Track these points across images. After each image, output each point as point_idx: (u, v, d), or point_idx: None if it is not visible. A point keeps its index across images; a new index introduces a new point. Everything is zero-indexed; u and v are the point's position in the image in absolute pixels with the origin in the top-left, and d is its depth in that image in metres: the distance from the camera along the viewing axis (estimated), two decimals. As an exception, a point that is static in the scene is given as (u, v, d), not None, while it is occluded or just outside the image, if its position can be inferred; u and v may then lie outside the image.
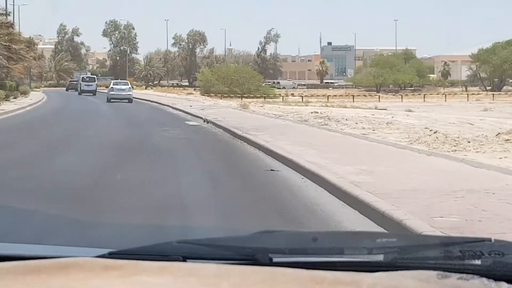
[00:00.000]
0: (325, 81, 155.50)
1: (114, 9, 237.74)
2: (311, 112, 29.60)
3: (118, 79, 78.60)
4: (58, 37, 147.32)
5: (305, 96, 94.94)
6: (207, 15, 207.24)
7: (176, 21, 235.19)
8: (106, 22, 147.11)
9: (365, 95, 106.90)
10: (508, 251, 1.82)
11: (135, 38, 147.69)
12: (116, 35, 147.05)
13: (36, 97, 60.72)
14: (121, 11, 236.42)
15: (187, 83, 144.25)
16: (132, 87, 63.27)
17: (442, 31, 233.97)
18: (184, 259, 1.82)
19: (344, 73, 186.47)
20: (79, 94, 73.05)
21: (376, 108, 51.80)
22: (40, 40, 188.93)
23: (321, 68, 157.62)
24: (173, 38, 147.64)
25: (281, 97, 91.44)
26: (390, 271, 1.63)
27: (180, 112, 38.85)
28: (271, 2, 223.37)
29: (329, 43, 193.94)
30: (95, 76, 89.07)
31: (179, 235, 2.31)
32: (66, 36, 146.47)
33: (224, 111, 36.94)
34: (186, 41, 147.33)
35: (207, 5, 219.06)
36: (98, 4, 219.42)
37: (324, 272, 1.57)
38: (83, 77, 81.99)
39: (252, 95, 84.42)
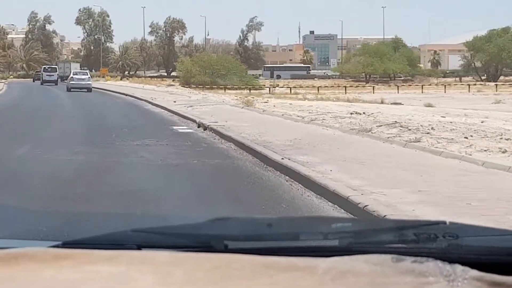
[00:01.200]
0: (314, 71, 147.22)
1: None
2: (351, 113, 20.66)
3: (85, 69, 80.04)
4: (29, 25, 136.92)
5: (292, 87, 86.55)
6: (185, 1, 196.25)
7: (153, 8, 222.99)
8: (79, 10, 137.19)
9: (356, 86, 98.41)
10: (462, 233, 1.82)
11: (110, 26, 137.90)
12: (90, 23, 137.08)
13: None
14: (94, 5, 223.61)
15: (165, 74, 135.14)
16: (102, 78, 71.27)
17: (422, 20, 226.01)
18: (139, 247, 1.76)
19: (327, 63, 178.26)
20: (41, 84, 73.00)
21: (385, 102, 43.14)
22: (13, 30, 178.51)
23: (305, 58, 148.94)
24: (150, 26, 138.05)
25: (267, 88, 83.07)
26: (345, 256, 1.60)
27: (163, 111, 29.78)
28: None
29: (311, 32, 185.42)
30: (56, 67, 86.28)
31: (135, 224, 2.07)
32: (38, 24, 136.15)
33: (221, 109, 28.00)
34: (164, 29, 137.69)
35: None
36: None
37: (279, 257, 1.57)
38: (44, 67, 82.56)
39: (235, 86, 77.76)
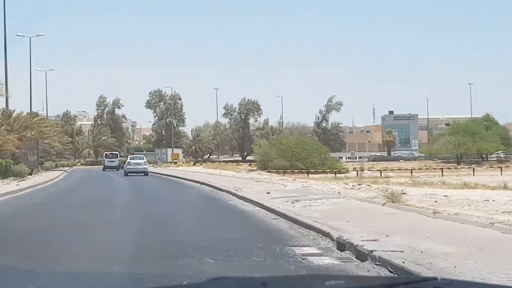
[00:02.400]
0: (392, 152, 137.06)
1: (158, 78, 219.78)
2: None
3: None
4: (97, 110, 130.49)
5: (380, 170, 76.45)
6: (259, 82, 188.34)
7: (226, 90, 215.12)
8: (150, 92, 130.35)
9: (449, 168, 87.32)
10: None
11: (182, 109, 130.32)
12: (161, 106, 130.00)
13: (39, 180, 42.34)
14: (166, 81, 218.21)
15: (240, 158, 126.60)
16: (174, 163, 69.06)
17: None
18: None
19: (408, 144, 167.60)
20: (103, 170, 72.52)
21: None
22: (84, 117, 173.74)
23: (388, 138, 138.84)
24: (224, 108, 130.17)
25: (354, 171, 73.45)
26: None
27: (258, 209, 19.91)
28: (326, 68, 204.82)
29: (391, 112, 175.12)
30: (117, 153, 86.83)
31: (129, 283, 1.93)
32: (106, 109, 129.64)
33: (347, 206, 18.09)
34: (238, 111, 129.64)
35: (258, 72, 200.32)
36: (141, 73, 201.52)
37: None
38: (106, 154, 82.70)
39: (318, 170, 69.57)
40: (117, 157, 78.67)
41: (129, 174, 53.33)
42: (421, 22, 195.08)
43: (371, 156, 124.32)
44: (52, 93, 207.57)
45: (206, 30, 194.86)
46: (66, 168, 79.69)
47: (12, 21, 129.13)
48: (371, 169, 79.41)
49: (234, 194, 26.63)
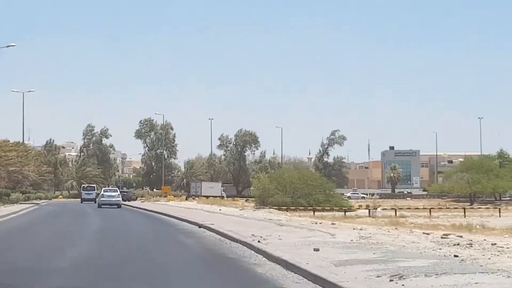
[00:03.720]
0: (396, 189, 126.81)
1: (149, 108, 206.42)
2: None
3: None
4: (84, 139, 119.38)
5: (391, 208, 66.63)
6: (256, 113, 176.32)
7: (221, 121, 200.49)
8: (140, 121, 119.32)
9: (463, 207, 76.78)
10: None
11: (174, 140, 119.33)
12: (152, 136, 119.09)
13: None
14: (157, 110, 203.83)
15: (235, 192, 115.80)
16: (164, 197, 66.38)
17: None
18: None
19: (409, 181, 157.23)
20: (81, 202, 70.69)
21: None
22: (72, 148, 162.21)
23: (392, 175, 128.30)
24: (219, 139, 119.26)
25: (359, 208, 65.73)
26: None
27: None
28: (323, 103, 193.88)
29: (391, 148, 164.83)
30: (94, 185, 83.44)
31: None
32: (94, 138, 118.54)
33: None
34: (234, 142, 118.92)
35: (255, 102, 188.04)
36: (132, 102, 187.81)
37: None
38: (83, 186, 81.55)
39: (326, 208, 60.57)
40: (95, 190, 76.54)
41: (102, 206, 54.14)
42: (424, 55, 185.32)
43: (379, 193, 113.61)
44: (36, 121, 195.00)
45: (201, 57, 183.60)
46: (41, 201, 68.64)
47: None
48: (383, 208, 69.00)
49: (259, 251, 15.74)
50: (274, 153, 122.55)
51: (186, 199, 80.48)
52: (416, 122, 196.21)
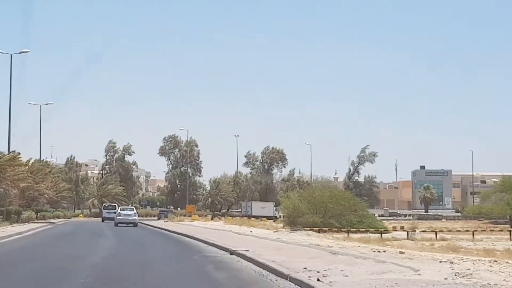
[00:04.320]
0: (429, 210, 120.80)
1: (173, 125, 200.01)
2: None
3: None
4: (106, 156, 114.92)
5: (430, 230, 61.21)
6: (283, 130, 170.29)
7: (246, 138, 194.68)
8: (164, 138, 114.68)
9: (509, 230, 70.79)
10: None
11: (198, 157, 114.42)
12: (176, 153, 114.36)
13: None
14: (181, 126, 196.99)
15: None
16: (188, 217, 65.42)
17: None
18: None
19: (440, 202, 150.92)
20: (102, 221, 68.90)
21: None
22: (96, 166, 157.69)
23: (425, 195, 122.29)
24: (245, 156, 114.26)
25: (397, 231, 58.51)
26: None
27: None
28: (349, 121, 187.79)
29: (422, 167, 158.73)
30: (115, 204, 79.31)
31: None
32: (116, 155, 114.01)
33: None
34: (261, 160, 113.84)
35: (281, 118, 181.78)
36: (156, 119, 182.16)
37: None
38: (104, 205, 79.36)
39: (359, 229, 55.62)
40: (115, 209, 71.43)
41: (119, 224, 54.75)
42: (461, 66, 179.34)
43: (415, 214, 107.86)
44: (58, 138, 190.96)
45: (226, 73, 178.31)
46: (58, 220, 63.91)
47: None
48: (421, 230, 63.55)
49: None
50: (300, 172, 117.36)
51: (212, 219, 75.39)
52: (446, 140, 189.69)
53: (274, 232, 36.71)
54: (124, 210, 59.80)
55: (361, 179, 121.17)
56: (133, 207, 69.02)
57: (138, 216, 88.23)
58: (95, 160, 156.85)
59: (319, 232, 47.86)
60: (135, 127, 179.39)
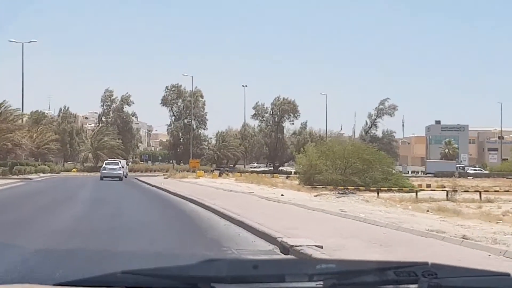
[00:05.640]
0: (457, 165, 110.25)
1: (175, 74, 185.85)
2: None
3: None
4: (102, 106, 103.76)
5: (476, 191, 51.13)
6: (292, 79, 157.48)
7: (255, 87, 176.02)
8: (166, 87, 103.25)
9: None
10: (443, 274, 1.80)
11: (204, 109, 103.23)
12: (179, 104, 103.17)
13: None
14: (183, 75, 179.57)
15: (271, 167, 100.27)
16: (192, 172, 59.74)
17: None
18: None
19: (456, 158, 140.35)
20: (101, 179, 56.03)
21: None
22: (96, 119, 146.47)
23: (446, 151, 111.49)
24: (254, 108, 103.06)
25: (424, 190, 50.17)
26: None
27: None
28: (359, 75, 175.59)
29: (437, 122, 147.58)
30: (119, 161, 67.13)
31: (126, 263, 2.19)
32: (113, 105, 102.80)
33: None
34: (271, 112, 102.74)
35: (292, 66, 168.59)
36: (156, 68, 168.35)
37: None
38: (106, 161, 66.13)
39: (383, 188, 46.56)
40: (119, 165, 60.06)
41: (104, 178, 53.13)
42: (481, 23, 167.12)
43: (435, 172, 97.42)
44: (54, 89, 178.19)
45: (231, 14, 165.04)
46: (38, 176, 53.12)
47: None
48: (474, 189, 53.85)
49: None
50: (306, 124, 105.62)
51: (219, 175, 64.60)
52: (458, 94, 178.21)
53: (315, 196, 25.93)
54: (109, 165, 58.21)
55: (379, 133, 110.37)
56: (119, 161, 63.90)
57: (137, 172, 78.23)
58: (95, 113, 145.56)
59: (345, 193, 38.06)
60: (134, 77, 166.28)
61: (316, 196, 26.47)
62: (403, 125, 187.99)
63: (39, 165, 62.87)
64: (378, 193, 41.12)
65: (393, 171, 58.81)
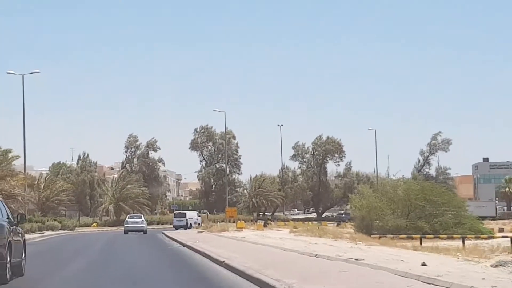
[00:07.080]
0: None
1: (203, 114, 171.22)
2: None
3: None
4: (126, 153, 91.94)
5: None
6: (336, 117, 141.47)
7: (291, 126, 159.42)
8: (195, 130, 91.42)
9: None
10: None
11: (237, 152, 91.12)
12: (210, 147, 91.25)
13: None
14: (214, 111, 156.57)
15: (314, 214, 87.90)
16: (231, 223, 53.76)
17: None
18: None
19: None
20: (124, 233, 53.06)
21: None
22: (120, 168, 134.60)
23: (507, 189, 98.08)
24: (293, 148, 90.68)
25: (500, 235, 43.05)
26: None
27: None
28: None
29: (485, 159, 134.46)
30: (142, 215, 62.56)
31: None
32: (138, 151, 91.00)
33: None
34: (312, 152, 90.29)
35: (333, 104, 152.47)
36: (183, 110, 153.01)
37: None
38: (128, 215, 62.57)
39: (455, 235, 38.44)
40: (142, 218, 59.05)
41: (128, 232, 52.12)
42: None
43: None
44: (76, 139, 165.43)
45: (265, 56, 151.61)
46: (39, 235, 41.09)
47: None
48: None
49: None
50: (350, 164, 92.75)
51: (265, 226, 52.21)
52: (505, 129, 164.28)
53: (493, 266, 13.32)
54: (132, 218, 57.44)
55: (431, 171, 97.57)
56: (141, 215, 62.04)
57: (165, 224, 68.11)
58: (121, 162, 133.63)
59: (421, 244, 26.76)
60: (159, 121, 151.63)
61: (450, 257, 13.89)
62: (438, 162, 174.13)
63: (47, 220, 50.89)
64: (463, 242, 30.66)
65: (466, 215, 47.91)
